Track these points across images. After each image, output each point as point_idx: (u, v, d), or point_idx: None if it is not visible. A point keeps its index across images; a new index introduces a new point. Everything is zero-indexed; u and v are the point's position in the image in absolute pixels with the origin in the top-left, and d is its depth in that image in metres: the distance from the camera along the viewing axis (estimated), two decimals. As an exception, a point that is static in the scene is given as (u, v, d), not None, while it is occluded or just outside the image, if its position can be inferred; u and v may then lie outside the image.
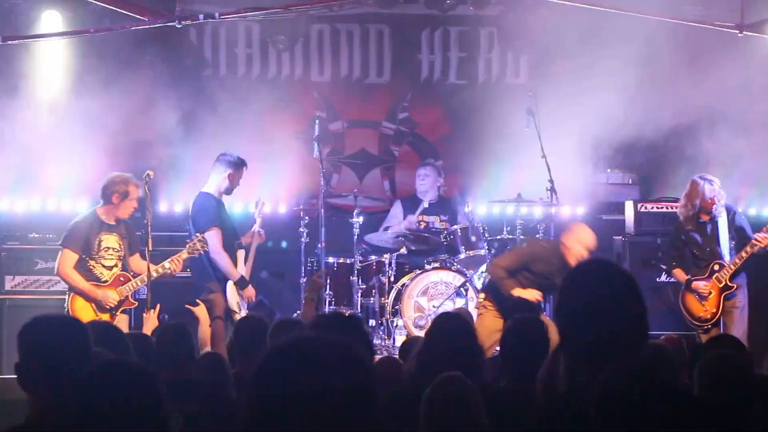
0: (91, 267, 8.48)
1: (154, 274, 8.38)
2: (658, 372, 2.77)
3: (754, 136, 11.26)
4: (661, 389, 2.58)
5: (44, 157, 11.02)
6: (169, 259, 8.51)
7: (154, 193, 8.73)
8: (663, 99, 11.48)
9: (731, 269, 9.18)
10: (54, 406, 3.32)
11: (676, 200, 10.96)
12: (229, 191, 9.02)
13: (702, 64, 11.34)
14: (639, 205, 10.90)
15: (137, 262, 8.68)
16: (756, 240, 9.13)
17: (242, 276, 8.76)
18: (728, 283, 9.21)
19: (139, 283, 8.58)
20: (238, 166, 8.98)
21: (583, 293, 2.92)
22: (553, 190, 9.81)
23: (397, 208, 11.04)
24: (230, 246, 8.84)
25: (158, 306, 7.92)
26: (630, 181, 11.35)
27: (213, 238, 8.66)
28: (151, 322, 7.75)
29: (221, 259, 8.69)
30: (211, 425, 4.83)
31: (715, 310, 9.24)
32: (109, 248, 8.53)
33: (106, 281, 8.51)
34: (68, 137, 11.15)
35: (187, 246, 8.61)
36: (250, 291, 8.79)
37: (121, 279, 8.56)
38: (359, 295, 10.13)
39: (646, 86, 11.50)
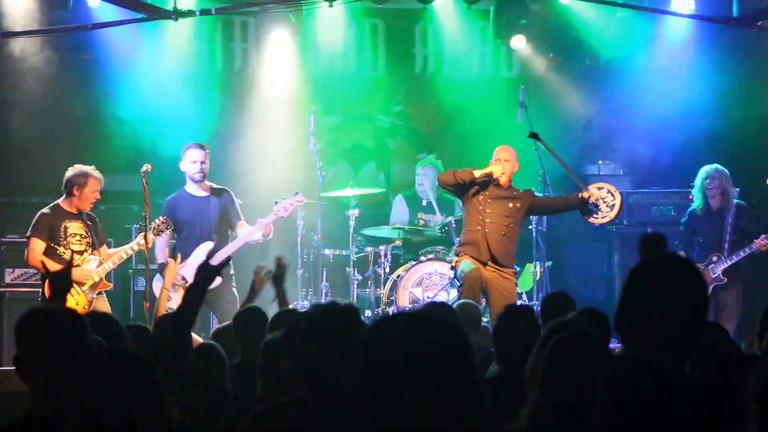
0: (61, 253, 8.58)
1: (124, 256, 8.79)
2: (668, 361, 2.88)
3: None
4: (668, 378, 2.71)
5: (42, 151, 11.12)
6: (136, 241, 8.79)
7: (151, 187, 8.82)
8: (655, 90, 11.57)
9: (726, 264, 9.47)
10: (53, 396, 3.36)
11: (667, 191, 11.08)
12: (191, 178, 9.22)
13: (694, 55, 11.46)
14: (630, 196, 11.01)
15: (104, 254, 8.85)
16: (756, 245, 9.47)
17: (161, 263, 9.00)
18: (721, 275, 9.48)
19: (111, 265, 8.77)
20: (182, 151, 9.28)
21: (652, 284, 3.01)
22: (545, 181, 9.90)
23: (400, 204, 11.11)
24: (187, 236, 9.11)
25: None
26: (621, 172, 11.43)
27: None
28: (171, 274, 7.91)
29: (155, 248, 9.13)
30: (207, 415, 4.88)
31: None
32: (75, 234, 8.67)
33: (77, 266, 8.62)
34: (63, 132, 11.26)
35: (151, 227, 8.81)
36: (167, 271, 8.48)
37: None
38: (355, 286, 10.25)
39: (638, 78, 11.60)
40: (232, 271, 9.15)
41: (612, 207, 8.75)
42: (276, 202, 9.27)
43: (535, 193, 9.13)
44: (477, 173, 8.80)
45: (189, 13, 10.76)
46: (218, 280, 8.88)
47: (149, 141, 11.19)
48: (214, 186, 9.34)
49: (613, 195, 8.79)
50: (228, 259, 4.92)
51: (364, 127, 12.23)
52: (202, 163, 9.15)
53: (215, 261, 8.78)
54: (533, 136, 9.06)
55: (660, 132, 11.54)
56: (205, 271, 4.11)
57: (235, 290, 9.06)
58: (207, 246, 8.84)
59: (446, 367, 2.16)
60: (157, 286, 8.79)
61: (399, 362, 2.16)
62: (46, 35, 10.97)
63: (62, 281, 4.33)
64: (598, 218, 8.83)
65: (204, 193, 9.22)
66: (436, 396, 2.13)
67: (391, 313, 2.33)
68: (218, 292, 8.89)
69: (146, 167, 8.63)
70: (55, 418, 3.29)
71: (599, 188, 8.83)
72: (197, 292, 4.05)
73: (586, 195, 8.78)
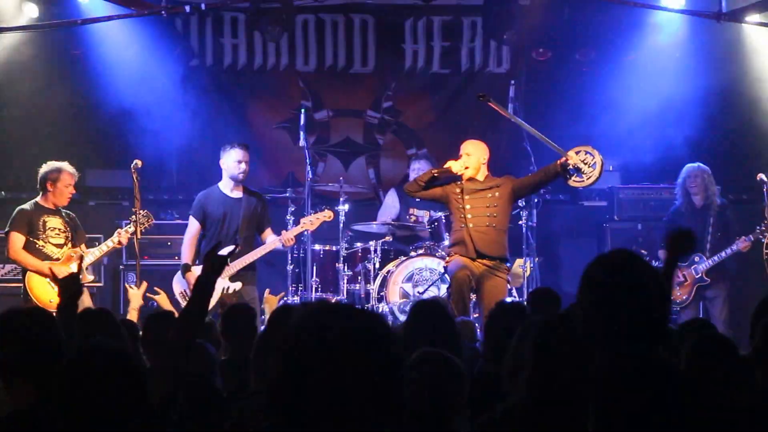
0: (40, 247, 8.64)
1: (105, 248, 8.82)
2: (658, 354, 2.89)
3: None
4: (661, 371, 2.72)
5: (31, 147, 11.07)
6: (117, 233, 8.80)
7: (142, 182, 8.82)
8: (645, 85, 11.58)
9: (709, 265, 9.53)
10: (31, 395, 3.40)
11: (657, 186, 11.10)
12: (233, 178, 9.05)
13: (683, 50, 11.48)
14: (620, 192, 11.04)
15: (83, 251, 8.85)
16: (739, 247, 9.49)
17: (185, 263, 8.91)
18: (704, 276, 9.56)
19: (92, 258, 8.79)
20: (223, 150, 9.12)
21: (607, 282, 3.02)
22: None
23: (392, 198, 11.09)
24: (213, 235, 8.96)
25: (145, 284, 7.98)
26: (611, 167, 11.43)
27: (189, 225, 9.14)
28: (136, 299, 7.82)
29: (183, 245, 9.08)
30: (197, 412, 4.88)
31: (686, 297, 9.61)
32: (54, 228, 8.71)
33: (57, 259, 8.65)
34: (53, 127, 11.22)
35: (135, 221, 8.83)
36: (190, 275, 8.78)
37: (73, 256, 8.70)
38: (345, 281, 10.24)
39: (628, 73, 11.60)
40: (257, 276, 9.17)
41: (594, 166, 8.56)
42: (303, 215, 9.37)
43: (515, 178, 8.97)
44: (435, 170, 8.82)
45: (179, 9, 10.74)
46: (239, 284, 8.92)
47: (138, 137, 11.15)
48: (249, 189, 9.25)
49: (592, 154, 8.59)
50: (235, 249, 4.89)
51: (354, 122, 12.21)
52: (246, 163, 9.06)
53: (236, 266, 8.75)
54: (482, 97, 8.95)
55: (650, 127, 11.54)
56: (212, 261, 4.05)
57: (255, 291, 9.03)
58: (228, 249, 8.80)
59: (366, 359, 2.16)
60: (176, 287, 8.78)
61: (320, 353, 2.16)
62: (36, 31, 10.93)
63: (71, 287, 4.25)
64: (582, 181, 8.65)
65: (238, 195, 9.11)
66: (355, 386, 2.14)
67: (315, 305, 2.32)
68: (240, 295, 8.86)
69: (137, 163, 8.65)
70: (37, 415, 3.32)
71: (577, 152, 8.66)
72: (205, 283, 3.95)
73: (564, 160, 8.64)
